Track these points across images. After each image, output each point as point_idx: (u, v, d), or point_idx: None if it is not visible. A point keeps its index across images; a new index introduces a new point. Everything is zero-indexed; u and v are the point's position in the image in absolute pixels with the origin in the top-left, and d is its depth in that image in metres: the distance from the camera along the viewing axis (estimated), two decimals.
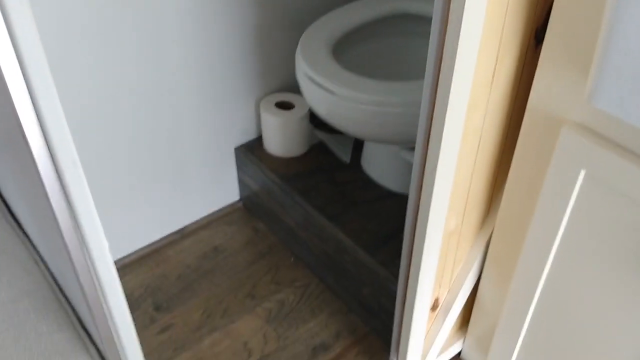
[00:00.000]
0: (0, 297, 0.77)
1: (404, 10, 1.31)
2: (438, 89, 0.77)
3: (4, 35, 0.47)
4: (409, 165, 1.27)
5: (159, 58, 1.20)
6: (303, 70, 1.15)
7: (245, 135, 1.47)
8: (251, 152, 1.46)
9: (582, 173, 0.72)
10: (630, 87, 0.63)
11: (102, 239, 0.55)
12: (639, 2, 0.59)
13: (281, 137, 1.40)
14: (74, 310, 0.78)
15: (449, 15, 0.72)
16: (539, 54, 0.76)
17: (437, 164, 0.82)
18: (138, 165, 1.31)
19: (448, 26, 0.73)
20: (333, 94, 1.09)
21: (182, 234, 1.47)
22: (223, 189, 1.52)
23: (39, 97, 0.50)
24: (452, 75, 0.74)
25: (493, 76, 0.80)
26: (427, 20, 1.28)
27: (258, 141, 1.48)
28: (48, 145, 0.52)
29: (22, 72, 0.49)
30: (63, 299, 0.79)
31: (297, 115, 1.38)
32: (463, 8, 0.70)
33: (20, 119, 0.50)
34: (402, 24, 1.32)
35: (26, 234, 0.92)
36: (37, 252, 0.87)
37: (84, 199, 0.54)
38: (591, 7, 0.68)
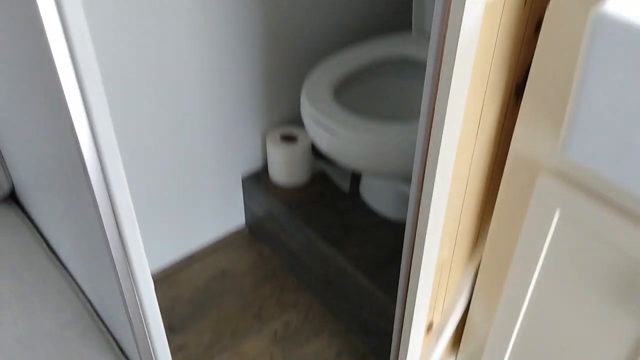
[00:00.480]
0: (47, 326, 0.86)
1: (401, 54, 1.41)
2: (431, 137, 0.87)
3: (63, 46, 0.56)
4: (405, 195, 1.37)
5: (176, 94, 1.30)
6: (307, 111, 1.25)
7: (252, 165, 1.57)
8: (257, 181, 1.56)
9: (557, 214, 0.82)
10: (596, 143, 0.73)
11: (147, 271, 0.65)
12: (604, 69, 0.69)
13: (285, 167, 1.50)
14: (113, 337, 0.87)
15: (440, 73, 0.82)
16: (519, 107, 0.87)
17: (431, 201, 0.92)
18: (150, 194, 1.41)
19: (440, 82, 0.83)
20: (334, 133, 1.19)
21: (192, 259, 1.57)
22: (230, 216, 1.62)
23: (99, 130, 0.59)
24: (443, 126, 0.84)
25: (479, 125, 0.90)
26: (421, 64, 1.38)
27: (264, 170, 1.58)
28: (105, 177, 0.61)
29: (85, 109, 0.58)
30: (103, 328, 0.87)
31: (300, 148, 1.48)
32: (453, 66, 0.80)
33: (84, 154, 0.59)
34: (399, 67, 1.42)
35: (65, 267, 1.01)
36: (77, 284, 0.96)
37: (133, 229, 0.64)
38: (564, 69, 0.78)
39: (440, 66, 0.83)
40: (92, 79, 0.56)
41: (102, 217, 0.59)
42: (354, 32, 1.57)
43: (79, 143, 0.58)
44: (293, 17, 1.41)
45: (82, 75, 0.56)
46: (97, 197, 0.59)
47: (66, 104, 0.55)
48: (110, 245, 0.61)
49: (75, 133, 0.57)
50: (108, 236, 0.60)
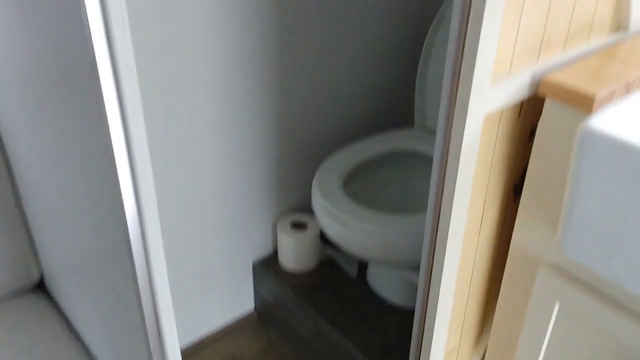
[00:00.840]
0: None
1: (405, 148, 1.51)
2: (438, 235, 0.94)
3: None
4: (411, 283, 1.43)
5: (190, 177, 1.38)
6: (318, 201, 1.33)
7: (262, 251, 1.63)
8: (267, 266, 1.61)
9: (557, 306, 0.88)
10: (589, 242, 0.80)
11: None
12: (593, 177, 0.77)
13: (295, 254, 1.56)
14: None
15: (446, 176, 0.90)
16: (518, 204, 0.94)
17: (439, 292, 0.98)
18: None
19: (445, 184, 0.91)
20: (344, 224, 1.26)
21: (201, 344, 1.59)
22: (240, 301, 1.66)
23: (147, 222, 0.65)
24: (448, 224, 0.92)
25: (481, 221, 0.98)
26: (424, 157, 1.48)
27: (273, 256, 1.64)
28: (148, 267, 0.67)
29: (136, 205, 0.65)
30: None
31: (309, 235, 1.55)
32: (457, 170, 0.89)
33: (132, 245, 0.66)
34: (403, 160, 1.52)
35: (92, 354, 1.05)
36: None
37: (170, 318, 0.69)
38: (558, 172, 0.86)
39: (445, 170, 0.91)
40: (146, 181, 0.64)
41: (143, 309, 0.65)
42: (361, 125, 1.68)
43: (128, 234, 0.65)
44: (305, 111, 1.52)
45: (138, 178, 0.63)
46: (140, 287, 0.65)
47: (122, 202, 0.63)
48: (149, 336, 0.66)
49: (127, 226, 0.64)
50: (147, 326, 0.66)
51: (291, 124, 1.50)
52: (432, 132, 1.54)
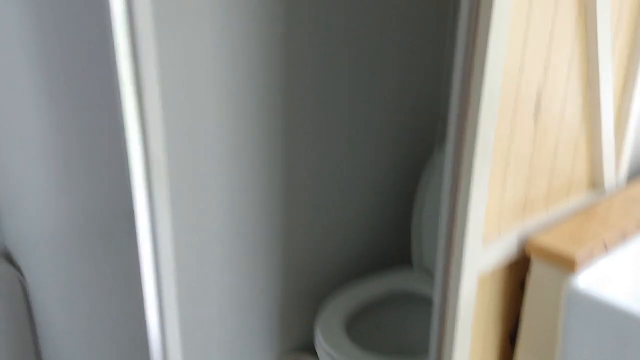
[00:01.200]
0: None
1: (404, 290, 1.57)
2: None
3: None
4: None
5: (196, 324, 1.41)
6: (321, 346, 1.36)
7: None
8: None
9: None
10: None
11: None
12: (581, 332, 0.83)
13: None
14: None
15: (445, 330, 0.96)
16: (514, 352, 0.99)
17: None
18: None
19: (445, 338, 0.96)
20: None
21: None
22: None
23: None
24: None
25: None
26: (423, 298, 1.53)
27: None
28: None
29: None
30: None
31: None
32: (454, 326, 0.94)
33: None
34: (403, 302, 1.57)
35: None
36: None
37: None
38: (549, 324, 0.92)
39: (444, 324, 0.97)
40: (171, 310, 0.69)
41: None
42: (361, 264, 1.74)
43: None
44: (306, 251, 1.58)
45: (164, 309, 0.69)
46: None
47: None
48: None
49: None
50: None
51: (292, 264, 1.57)
52: (430, 273, 1.61)
